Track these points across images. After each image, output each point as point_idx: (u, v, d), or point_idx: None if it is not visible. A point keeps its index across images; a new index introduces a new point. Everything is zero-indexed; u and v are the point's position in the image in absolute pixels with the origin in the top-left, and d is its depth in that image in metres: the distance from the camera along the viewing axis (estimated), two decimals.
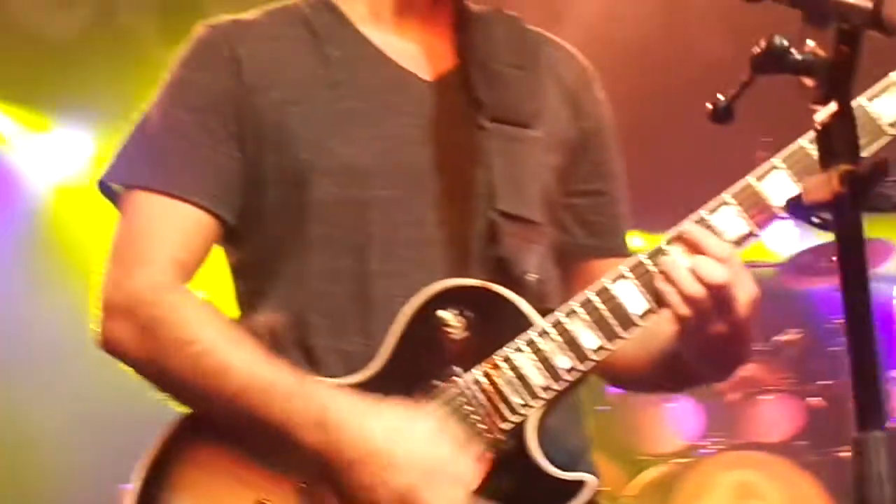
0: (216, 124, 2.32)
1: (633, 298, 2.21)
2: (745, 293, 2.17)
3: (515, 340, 2.22)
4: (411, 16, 2.43)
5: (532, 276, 2.28)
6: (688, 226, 2.20)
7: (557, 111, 2.47)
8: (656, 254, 2.21)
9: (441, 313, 2.22)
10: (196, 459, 2.25)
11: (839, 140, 1.43)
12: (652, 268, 2.20)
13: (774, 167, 2.18)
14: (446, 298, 2.23)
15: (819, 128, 1.43)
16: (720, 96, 1.59)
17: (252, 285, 2.39)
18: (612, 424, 7.10)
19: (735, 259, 2.17)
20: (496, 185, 2.32)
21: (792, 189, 2.16)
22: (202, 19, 2.47)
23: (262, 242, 2.35)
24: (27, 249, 7.66)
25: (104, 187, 2.38)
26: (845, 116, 1.42)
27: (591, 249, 2.51)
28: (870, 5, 1.38)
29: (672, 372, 2.39)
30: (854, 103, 2.11)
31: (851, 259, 1.42)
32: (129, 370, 2.30)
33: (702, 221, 2.20)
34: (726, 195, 2.20)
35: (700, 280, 2.14)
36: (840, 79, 1.42)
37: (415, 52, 2.41)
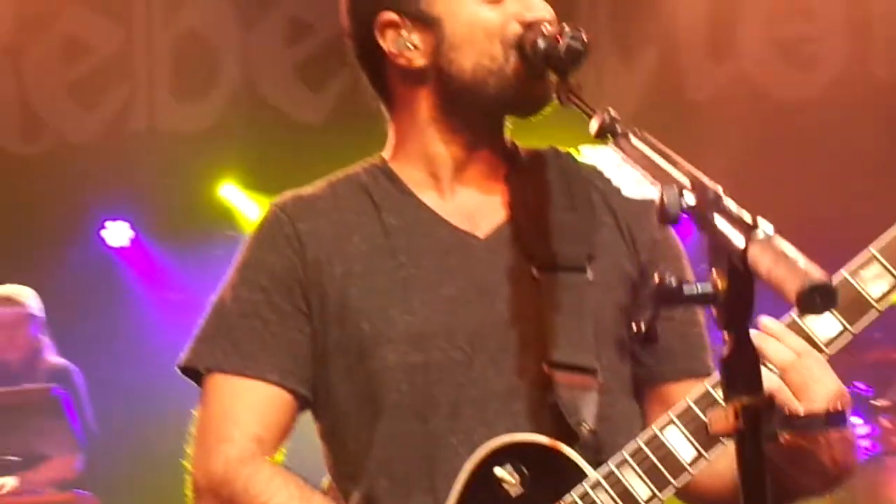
0: (284, 302, 2.45)
1: (682, 445, 2.25)
2: (821, 387, 2.16)
3: (571, 493, 2.27)
4: (468, 175, 2.51)
5: (587, 426, 2.31)
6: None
7: (613, 247, 2.49)
8: (703, 398, 2.25)
9: (497, 471, 2.29)
10: None
11: (739, 372, 1.44)
12: (700, 413, 2.23)
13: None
14: (503, 454, 2.30)
15: (721, 360, 1.45)
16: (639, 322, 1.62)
17: (331, 452, 2.52)
18: (855, 498, 6.89)
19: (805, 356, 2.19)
20: (550, 335, 2.37)
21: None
22: None
23: (332, 411, 2.48)
24: None
25: (185, 369, 2.52)
26: (744, 348, 1.43)
27: (664, 374, 2.51)
28: (740, 246, 1.40)
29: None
30: (838, 276, 2.13)
31: (752, 490, 1.43)
32: None
33: None
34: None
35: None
36: (736, 311, 1.43)
37: (470, 211, 2.49)
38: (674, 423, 2.25)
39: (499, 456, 2.29)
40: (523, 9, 2.42)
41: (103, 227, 8.97)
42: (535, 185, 2.50)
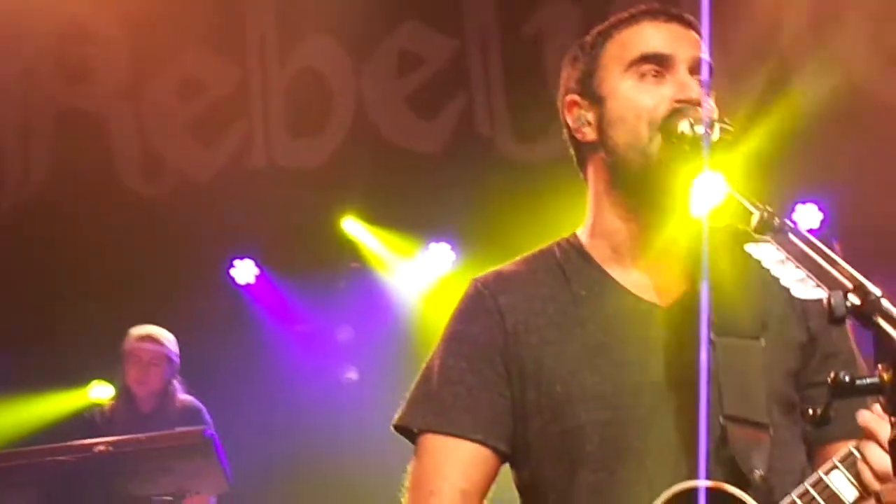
0: (487, 369, 2.74)
1: (845, 487, 2.46)
2: None
3: None
4: (649, 249, 2.76)
5: (758, 473, 2.54)
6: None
7: (784, 317, 2.72)
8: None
9: None
10: None
11: None
12: (859, 456, 2.44)
13: None
14: (684, 498, 2.53)
15: (889, 442, 1.62)
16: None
17: (528, 501, 2.79)
18: None
19: None
20: (724, 393, 2.61)
21: None
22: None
23: (530, 465, 2.75)
24: (401, 349, 8.05)
25: (399, 427, 2.82)
26: None
27: (832, 434, 2.70)
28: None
29: None
30: None
31: None
32: None
33: None
34: None
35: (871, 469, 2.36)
36: None
37: (651, 283, 2.75)
38: (837, 467, 2.44)
39: (680, 500, 2.53)
40: (677, 90, 2.64)
41: (231, 266, 9.20)
42: (712, 259, 2.71)
